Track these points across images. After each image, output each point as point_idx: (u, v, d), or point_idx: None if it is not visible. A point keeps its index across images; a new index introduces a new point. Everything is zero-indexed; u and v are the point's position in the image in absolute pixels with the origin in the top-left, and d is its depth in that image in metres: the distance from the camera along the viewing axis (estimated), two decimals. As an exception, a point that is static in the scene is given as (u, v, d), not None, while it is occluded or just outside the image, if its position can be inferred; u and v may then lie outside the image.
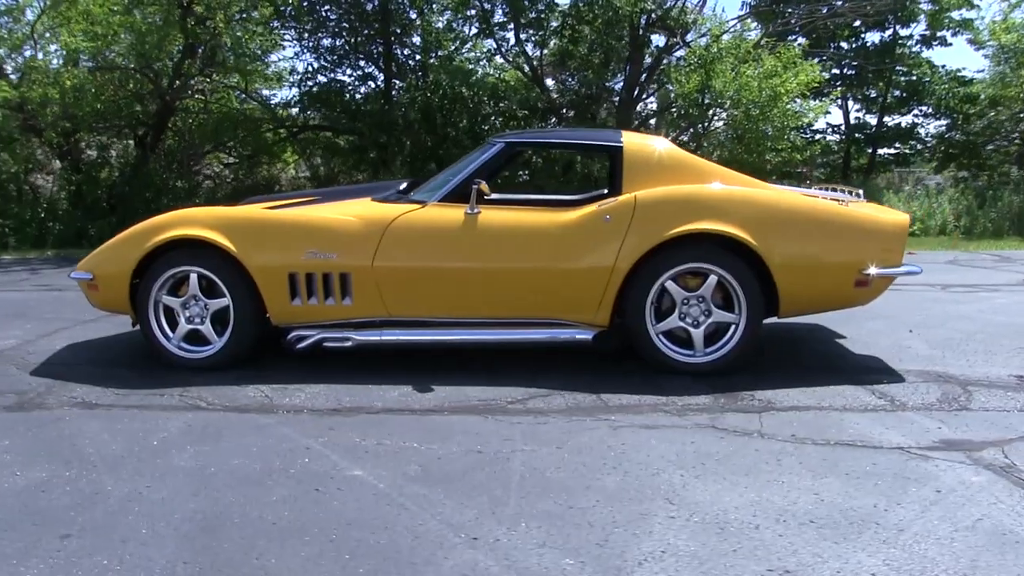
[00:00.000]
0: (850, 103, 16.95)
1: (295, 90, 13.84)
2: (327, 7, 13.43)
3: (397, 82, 13.74)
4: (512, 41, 12.78)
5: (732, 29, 12.18)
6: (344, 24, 13.70)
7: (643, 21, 12.25)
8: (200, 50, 12.58)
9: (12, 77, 11.47)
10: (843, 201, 4.32)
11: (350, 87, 13.59)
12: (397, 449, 3.02)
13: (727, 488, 2.62)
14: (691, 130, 12.08)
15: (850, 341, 4.74)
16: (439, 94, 12.42)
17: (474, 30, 13.02)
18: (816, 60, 12.84)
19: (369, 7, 13.45)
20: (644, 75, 12.85)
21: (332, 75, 13.64)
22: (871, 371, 4.06)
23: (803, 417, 3.33)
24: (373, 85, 13.90)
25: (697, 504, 2.50)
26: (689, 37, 12.23)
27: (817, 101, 12.41)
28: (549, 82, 13.57)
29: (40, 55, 11.83)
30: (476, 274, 4.06)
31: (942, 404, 3.48)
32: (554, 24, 12.49)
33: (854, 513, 2.42)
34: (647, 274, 3.95)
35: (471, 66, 13.06)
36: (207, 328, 4.18)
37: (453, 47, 13.35)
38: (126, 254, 4.18)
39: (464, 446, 3.04)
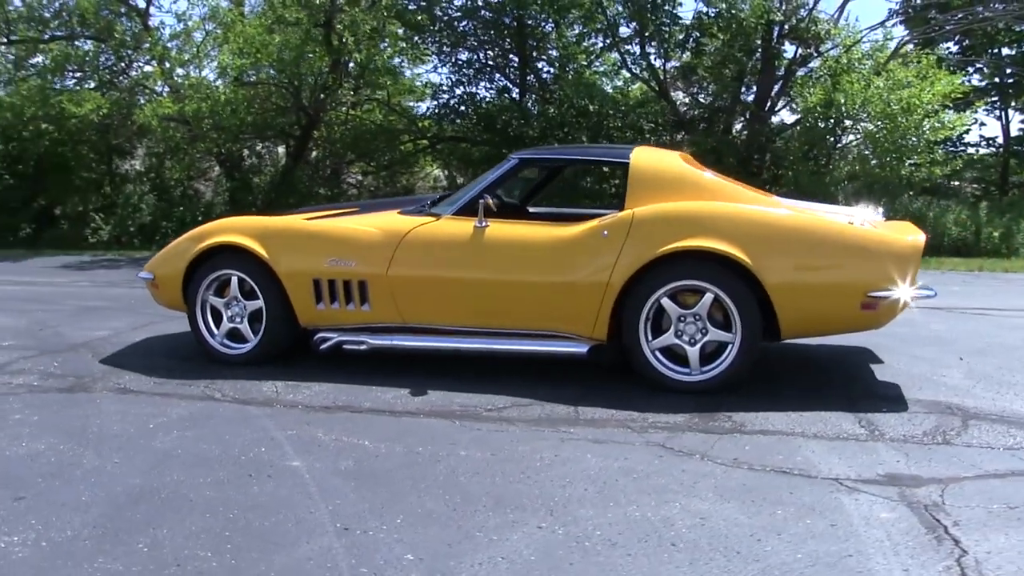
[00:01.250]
0: (1010, 113, 15.43)
1: (433, 102, 14.44)
2: (465, 22, 13.97)
3: (533, 95, 14.07)
4: (638, 53, 12.77)
5: (869, 39, 11.52)
6: (483, 38, 14.20)
7: (776, 32, 11.84)
8: (347, 65, 13.48)
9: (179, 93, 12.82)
10: (857, 220, 4.08)
11: (485, 100, 14.05)
12: (347, 446, 3.24)
13: (618, 506, 2.63)
14: (819, 145, 11.52)
15: (885, 366, 4.46)
16: (564, 108, 12.61)
17: (600, 44, 13.10)
18: (970, 68, 11.84)
19: (507, 20, 13.86)
20: (777, 87, 12.40)
21: (469, 87, 14.17)
22: (876, 398, 3.84)
23: (761, 442, 3.23)
24: (508, 98, 14.30)
25: (574, 518, 2.54)
26: (824, 47, 11.68)
27: (961, 113, 11.41)
28: (679, 95, 13.43)
29: (196, 72, 13.15)
30: (481, 285, 4.21)
31: (925, 437, 3.25)
32: (680, 37, 12.35)
33: (724, 540, 2.37)
34: (642, 290, 3.94)
35: (600, 80, 13.15)
36: (244, 327, 4.59)
37: (584, 62, 13.50)
38: (179, 257, 4.68)
39: (409, 447, 3.21)
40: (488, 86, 14.41)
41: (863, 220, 4.15)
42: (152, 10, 14.09)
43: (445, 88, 14.41)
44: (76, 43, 13.50)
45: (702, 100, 13.08)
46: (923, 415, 3.55)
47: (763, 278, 3.80)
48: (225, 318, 4.64)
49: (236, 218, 4.85)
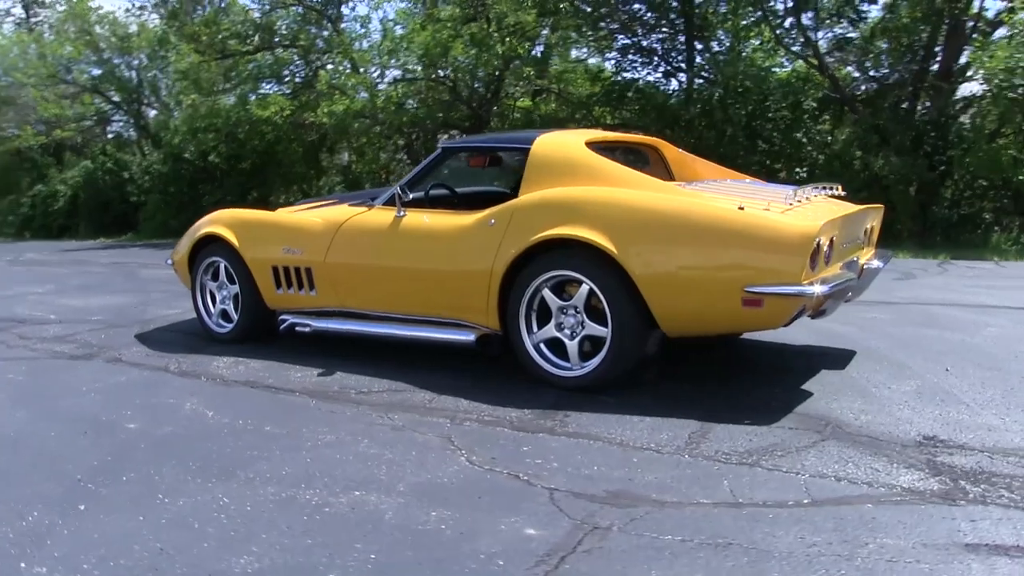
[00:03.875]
0: None
1: (600, 89, 14.33)
2: (633, 5, 13.71)
3: (697, 79, 13.55)
4: (791, 26, 11.76)
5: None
6: (650, 21, 13.88)
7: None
8: (511, 60, 13.89)
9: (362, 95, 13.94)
10: (761, 203, 3.65)
11: (650, 84, 13.74)
12: (192, 414, 3.59)
13: (309, 473, 2.71)
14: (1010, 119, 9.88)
15: (840, 372, 3.94)
16: (727, 90, 12.01)
17: (752, 19, 12.23)
18: None
19: (674, 3, 13.44)
20: (964, 56, 10.82)
21: (635, 72, 13.93)
22: (751, 408, 3.45)
23: (567, 444, 3.08)
24: (676, 81, 13.88)
25: (257, 473, 2.68)
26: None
27: None
28: (849, 70, 12.17)
29: (377, 72, 14.22)
30: (392, 273, 4.37)
31: (742, 456, 2.91)
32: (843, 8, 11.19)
33: (342, 511, 2.38)
34: (521, 280, 3.89)
35: (761, 59, 12.33)
36: (229, 308, 5.12)
37: (749, 42, 12.74)
38: (185, 244, 5.32)
39: (264, 422, 3.43)
40: (653, 71, 14.06)
41: (789, 199, 3.71)
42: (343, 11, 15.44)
43: (611, 74, 14.28)
44: (276, 52, 15.16)
45: (873, 75, 11.74)
46: (778, 430, 3.16)
47: (629, 268, 3.58)
48: (219, 299, 5.20)
49: (225, 210, 5.39)
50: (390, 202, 4.49)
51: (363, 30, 14.36)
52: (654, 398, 3.64)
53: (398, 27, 14.02)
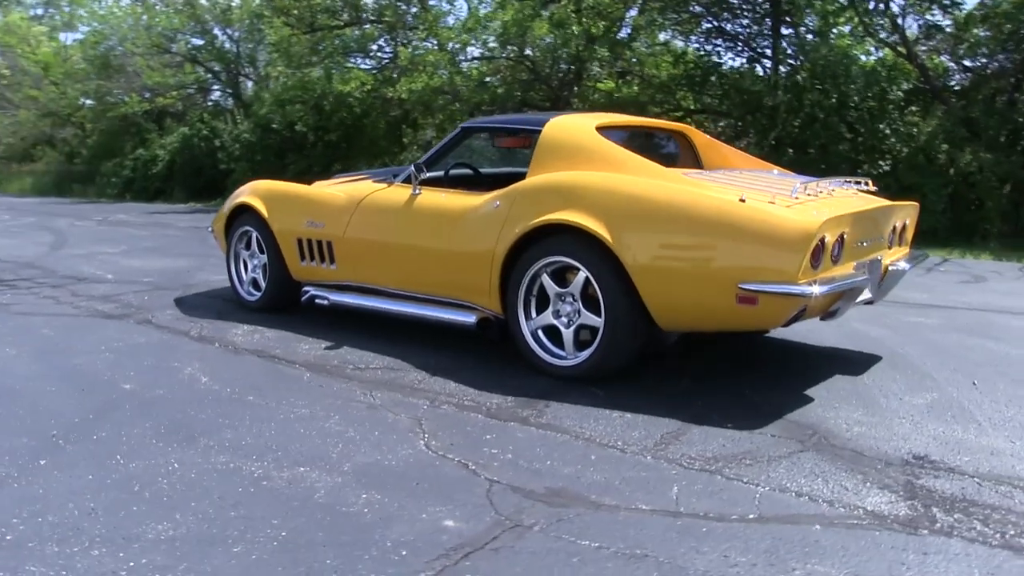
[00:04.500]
0: None
1: (680, 72, 13.94)
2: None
3: (783, 66, 13.00)
4: (877, 7, 11.07)
5: None
6: (735, 3, 13.41)
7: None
8: (593, 40, 13.65)
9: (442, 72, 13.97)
10: (766, 195, 3.45)
11: (731, 69, 13.29)
12: (210, 381, 3.66)
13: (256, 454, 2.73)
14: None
15: (855, 379, 3.71)
16: (808, 76, 11.49)
17: (839, 3, 11.56)
18: None
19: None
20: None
21: (717, 57, 13.49)
22: (740, 413, 3.27)
23: (532, 434, 3.01)
24: (761, 67, 13.37)
25: (218, 441, 2.73)
26: None
27: None
28: (942, 59, 11.39)
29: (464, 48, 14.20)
30: (405, 250, 4.36)
31: (711, 461, 2.77)
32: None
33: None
34: (521, 264, 3.81)
35: (848, 46, 11.69)
36: (259, 276, 5.23)
37: (838, 28, 12.11)
38: (222, 214, 5.46)
39: (250, 392, 3.48)
40: (737, 56, 13.56)
41: (797, 192, 3.50)
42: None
43: (695, 57, 13.86)
44: (363, 27, 15.37)
45: (967, 64, 10.96)
46: (758, 437, 3.00)
47: (622, 257, 3.46)
48: (250, 268, 5.32)
49: (260, 181, 5.48)
50: (407, 180, 4.47)
51: (448, 7, 14.31)
52: (645, 393, 3.51)
53: (483, 5, 14.00)
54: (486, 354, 4.15)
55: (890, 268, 3.91)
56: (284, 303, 5.16)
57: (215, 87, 20.43)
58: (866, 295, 3.79)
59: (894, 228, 4.04)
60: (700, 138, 4.82)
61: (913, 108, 11.14)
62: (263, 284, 5.20)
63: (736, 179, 3.88)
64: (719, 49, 13.58)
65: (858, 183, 4.23)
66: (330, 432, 3.02)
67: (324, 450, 2.84)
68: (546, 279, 3.75)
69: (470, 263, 4.01)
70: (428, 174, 4.46)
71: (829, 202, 3.59)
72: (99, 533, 2.22)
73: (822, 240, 3.26)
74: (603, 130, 4.03)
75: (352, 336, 4.48)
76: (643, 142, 4.57)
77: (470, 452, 2.83)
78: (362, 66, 14.92)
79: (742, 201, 3.34)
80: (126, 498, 2.44)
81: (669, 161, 4.43)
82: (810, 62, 11.45)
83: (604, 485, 2.56)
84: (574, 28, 12.36)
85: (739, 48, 13.14)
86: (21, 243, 8.98)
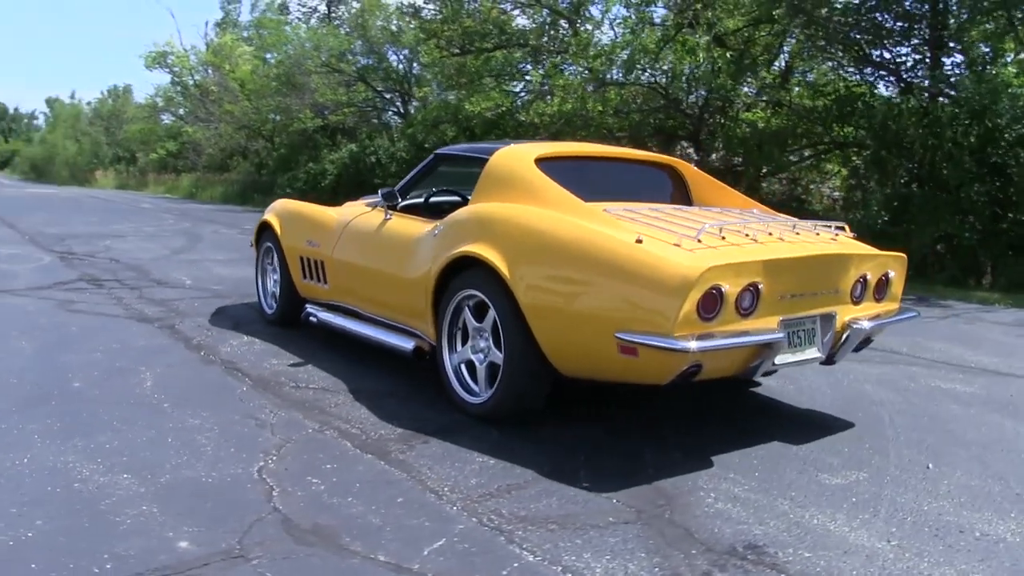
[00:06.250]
0: None
1: (825, 102, 13.07)
2: (870, 15, 12.35)
3: (940, 97, 11.86)
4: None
5: None
6: (892, 30, 12.42)
7: None
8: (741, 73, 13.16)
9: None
10: (675, 237, 3.18)
11: (877, 98, 12.28)
12: (154, 386, 3.94)
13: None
14: None
15: (801, 448, 3.36)
16: (961, 108, 10.39)
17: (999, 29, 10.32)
18: None
19: (924, 7, 11.89)
20: None
21: (868, 87, 12.53)
22: (618, 475, 3.05)
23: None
24: (911, 98, 12.26)
25: (91, 443, 2.93)
26: None
27: None
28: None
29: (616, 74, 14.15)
30: (372, 274, 4.44)
31: (521, 521, 2.63)
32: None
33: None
34: (446, 296, 3.78)
35: (1011, 78, 10.44)
36: (277, 292, 5.51)
37: (1004, 55, 10.89)
38: (254, 230, 5.81)
39: (176, 399, 3.72)
40: (892, 85, 12.51)
41: (703, 233, 3.19)
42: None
43: (845, 86, 12.95)
44: (509, 50, 15.72)
45: None
46: (601, 501, 2.79)
47: (516, 292, 3.34)
48: (271, 282, 5.62)
49: (282, 200, 5.76)
50: (381, 205, 4.55)
51: (595, 32, 14.32)
52: (536, 440, 3.37)
53: (620, 32, 13.91)
54: (434, 384, 4.10)
55: (853, 326, 3.48)
56: (294, 318, 5.38)
57: (383, 107, 21.64)
58: (814, 354, 3.41)
59: (862, 281, 3.57)
60: (692, 173, 4.53)
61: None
62: (278, 298, 5.46)
63: (677, 218, 3.56)
64: (869, 79, 12.60)
65: (840, 228, 3.80)
66: (191, 445, 3.15)
67: (163, 461, 2.97)
68: (467, 312, 3.68)
69: (411, 289, 4.03)
70: (406, 201, 4.53)
71: (746, 247, 3.23)
72: None
73: (717, 289, 2.96)
74: (547, 161, 3.90)
75: (329, 355, 4.61)
76: (612, 175, 4.34)
77: (291, 479, 2.86)
78: (503, 88, 15.20)
79: (638, 241, 3.11)
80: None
81: (647, 196, 4.19)
82: (971, 93, 10.32)
83: (373, 530, 2.49)
84: (701, 54, 11.96)
85: (885, 76, 12.12)
86: (153, 246, 9.98)
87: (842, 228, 3.78)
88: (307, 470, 2.95)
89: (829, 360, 3.57)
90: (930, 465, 3.26)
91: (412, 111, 20.78)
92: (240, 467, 2.95)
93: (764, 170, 13.22)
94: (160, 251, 9.52)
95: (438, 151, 4.70)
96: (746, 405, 4.09)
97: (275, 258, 5.46)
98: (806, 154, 13.85)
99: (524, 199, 3.67)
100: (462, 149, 4.59)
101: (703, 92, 13.78)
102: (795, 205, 13.55)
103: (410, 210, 4.52)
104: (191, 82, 28.40)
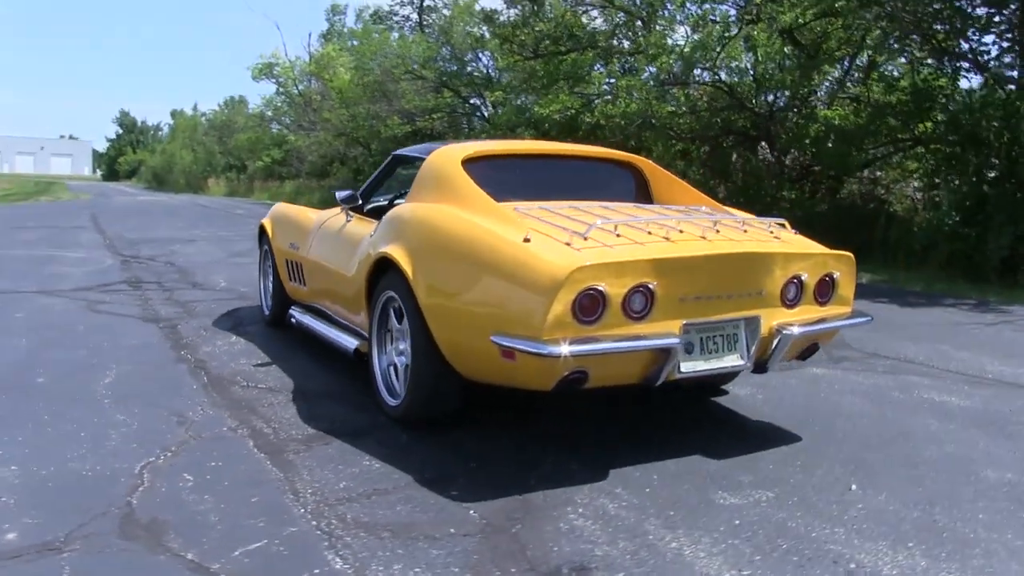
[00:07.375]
0: None
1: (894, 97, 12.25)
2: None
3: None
4: None
5: None
6: (979, 17, 11.54)
7: None
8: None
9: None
10: (567, 235, 3.05)
11: (958, 91, 11.41)
12: (115, 382, 4.13)
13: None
14: None
15: (720, 462, 3.17)
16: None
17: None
18: None
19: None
20: None
21: (948, 80, 11.68)
22: (496, 487, 2.97)
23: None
24: (999, 88, 11.33)
25: (18, 435, 3.11)
26: None
27: None
28: None
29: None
30: (329, 274, 4.49)
31: (364, 527, 2.60)
32: None
33: None
34: (374, 297, 3.77)
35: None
36: (271, 292, 5.66)
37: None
38: (257, 233, 5.99)
39: (128, 395, 3.91)
40: (974, 76, 11.60)
41: (592, 231, 3.03)
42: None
43: (921, 79, 12.11)
44: (582, 53, 15.57)
45: None
46: (455, 509, 2.73)
47: (416, 292, 3.30)
48: (268, 283, 5.78)
49: (278, 204, 5.89)
50: (349, 207, 4.59)
51: (666, 32, 13.97)
52: (438, 446, 3.32)
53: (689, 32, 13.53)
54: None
55: (782, 331, 3.23)
56: (283, 319, 5.51)
57: (469, 111, 21.87)
58: (734, 361, 3.19)
59: (795, 282, 3.29)
60: (652, 170, 4.34)
61: None
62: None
63: (599, 217, 3.32)
64: (948, 71, 11.73)
65: (781, 224, 3.54)
66: (99, 440, 3.27)
67: (62, 454, 3.09)
68: (392, 313, 3.66)
69: (353, 289, 4.03)
70: (372, 204, 4.58)
71: (638, 246, 3.02)
72: None
73: (595, 290, 2.81)
74: (475, 161, 3.83)
75: (301, 356, 4.74)
76: (560, 174, 4.19)
77: (165, 476, 2.93)
78: (572, 91, 15.04)
79: (526, 240, 2.99)
80: None
81: (601, 195, 4.05)
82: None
83: (202, 529, 2.51)
84: (763, 50, 11.47)
85: (968, 68, 11.24)
86: (214, 250, 10.47)
87: (782, 225, 3.52)
88: (188, 468, 3.01)
89: (759, 368, 3.33)
90: (854, 486, 2.99)
91: (497, 114, 20.92)
92: (128, 463, 3.03)
93: (831, 173, 12.52)
94: (218, 255, 9.96)
95: (395, 152, 4.71)
96: (696, 416, 3.88)
97: (270, 261, 5.61)
98: (883, 152, 13.03)
99: (447, 199, 3.62)
100: (414, 150, 4.57)
101: (771, 90, 13.24)
102: (872, 207, 12.79)
103: (376, 212, 4.53)
104: (295, 91, 29.61)
